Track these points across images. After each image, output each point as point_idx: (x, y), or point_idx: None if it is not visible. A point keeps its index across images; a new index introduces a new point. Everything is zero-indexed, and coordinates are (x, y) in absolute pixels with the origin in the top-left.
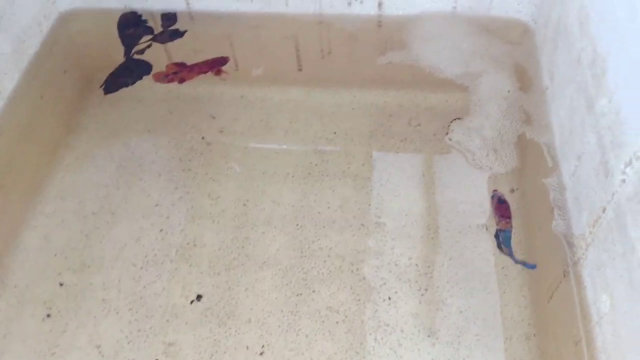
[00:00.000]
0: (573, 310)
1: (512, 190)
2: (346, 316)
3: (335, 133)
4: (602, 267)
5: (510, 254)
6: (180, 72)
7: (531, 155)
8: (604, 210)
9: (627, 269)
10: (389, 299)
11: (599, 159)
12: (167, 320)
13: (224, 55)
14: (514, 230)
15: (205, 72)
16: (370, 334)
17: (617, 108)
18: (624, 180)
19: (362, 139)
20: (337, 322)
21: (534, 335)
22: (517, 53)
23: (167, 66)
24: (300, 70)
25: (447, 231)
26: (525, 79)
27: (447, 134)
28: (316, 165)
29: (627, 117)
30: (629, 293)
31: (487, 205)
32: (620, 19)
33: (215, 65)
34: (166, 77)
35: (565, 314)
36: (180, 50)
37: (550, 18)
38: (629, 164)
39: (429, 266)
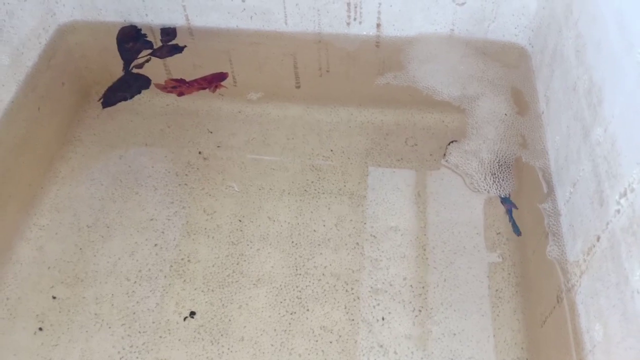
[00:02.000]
0: (566, 337)
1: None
2: (340, 336)
3: (332, 150)
4: (596, 295)
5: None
6: (179, 87)
7: (527, 179)
8: (598, 239)
9: (620, 299)
10: (383, 319)
11: (594, 187)
12: (160, 337)
13: (223, 71)
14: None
15: (204, 88)
16: (363, 354)
17: (612, 138)
18: (618, 211)
19: (358, 157)
20: (330, 342)
21: (527, 359)
22: (514, 77)
23: (165, 81)
24: (298, 87)
25: (442, 252)
26: (521, 102)
27: (444, 155)
28: (312, 182)
29: (622, 148)
30: (622, 324)
31: (482, 228)
32: (615, 50)
33: (214, 80)
34: (165, 89)
35: (558, 340)
36: (180, 66)
37: (546, 44)
38: (623, 194)
39: (423, 287)
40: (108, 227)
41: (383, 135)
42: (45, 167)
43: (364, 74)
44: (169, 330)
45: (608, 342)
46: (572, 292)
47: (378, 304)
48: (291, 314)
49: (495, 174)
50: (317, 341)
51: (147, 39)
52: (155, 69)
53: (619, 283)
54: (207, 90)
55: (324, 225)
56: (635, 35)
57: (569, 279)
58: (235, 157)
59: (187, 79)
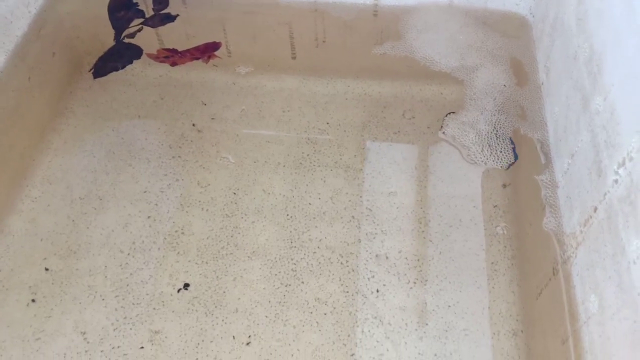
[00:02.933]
0: (561, 309)
1: (505, 186)
2: (334, 308)
3: (328, 123)
4: (591, 267)
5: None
6: (171, 56)
7: (525, 151)
8: (595, 210)
9: (616, 270)
10: (377, 291)
11: (592, 158)
12: (154, 308)
13: (216, 40)
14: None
15: (197, 58)
16: (358, 326)
17: (612, 107)
18: (616, 181)
19: (355, 130)
20: (325, 314)
21: (522, 331)
22: (514, 47)
23: (157, 51)
24: (294, 58)
25: (438, 225)
26: (521, 73)
27: (441, 127)
28: (308, 155)
29: (622, 117)
30: (618, 295)
31: (478, 201)
32: (617, 16)
33: (207, 50)
34: (157, 59)
35: (553, 312)
36: (172, 35)
37: (547, 12)
38: (622, 164)
39: (418, 259)
40: (101, 199)
41: (380, 107)
42: (37, 139)
43: (361, 44)
44: (162, 302)
45: (602, 314)
46: (568, 264)
47: (373, 276)
48: (286, 286)
49: (492, 145)
50: (311, 313)
51: (139, 7)
52: (147, 38)
53: (615, 254)
54: (200, 60)
55: (319, 198)
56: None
57: (565, 251)
58: (229, 129)
59: (180, 49)
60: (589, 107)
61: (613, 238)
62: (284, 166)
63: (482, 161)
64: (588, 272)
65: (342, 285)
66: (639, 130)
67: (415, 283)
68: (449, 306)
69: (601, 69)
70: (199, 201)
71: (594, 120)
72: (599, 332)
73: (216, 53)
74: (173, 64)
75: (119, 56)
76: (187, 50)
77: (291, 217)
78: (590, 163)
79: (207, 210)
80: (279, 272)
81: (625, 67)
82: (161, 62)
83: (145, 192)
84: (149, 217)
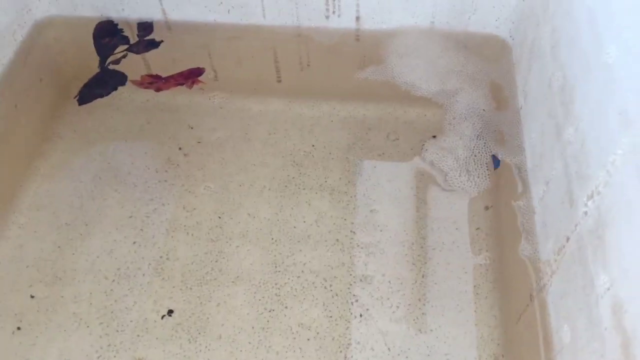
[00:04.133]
0: (537, 336)
1: (487, 208)
2: (317, 333)
3: (313, 145)
4: (565, 296)
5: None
6: (155, 82)
7: (505, 176)
8: (567, 239)
9: (586, 302)
10: (361, 315)
11: (565, 187)
12: (138, 335)
13: (200, 66)
14: None
15: (181, 84)
16: (340, 351)
17: (582, 138)
18: (586, 213)
19: (340, 152)
20: (308, 339)
21: (502, 356)
22: (494, 70)
23: (141, 77)
24: (279, 81)
25: (421, 248)
26: (501, 97)
27: (420, 152)
28: (293, 178)
29: (591, 149)
30: (587, 327)
31: (461, 224)
32: (586, 50)
33: (191, 76)
34: (141, 85)
35: (530, 338)
36: (158, 61)
37: (526, 37)
38: (590, 197)
39: (401, 283)
40: (87, 224)
41: (365, 129)
42: (24, 165)
43: (344, 68)
44: (146, 328)
45: (574, 345)
46: (544, 291)
47: (356, 301)
48: (269, 311)
49: (470, 171)
50: (294, 338)
51: (124, 34)
52: (132, 64)
53: (585, 286)
54: (184, 86)
55: (304, 222)
56: (604, 35)
57: (541, 278)
58: (215, 153)
59: (164, 75)
60: (562, 136)
61: (583, 270)
62: (269, 189)
63: (460, 187)
64: (562, 302)
65: (325, 309)
66: (606, 165)
67: (398, 307)
68: (432, 330)
69: (573, 99)
70: (185, 225)
71: (566, 150)
72: None
73: (200, 78)
74: (157, 90)
75: (103, 83)
76: (171, 76)
77: (276, 240)
78: (563, 192)
79: (192, 234)
80: (263, 297)
81: (593, 100)
82: (145, 87)
83: (130, 217)
84: (134, 242)
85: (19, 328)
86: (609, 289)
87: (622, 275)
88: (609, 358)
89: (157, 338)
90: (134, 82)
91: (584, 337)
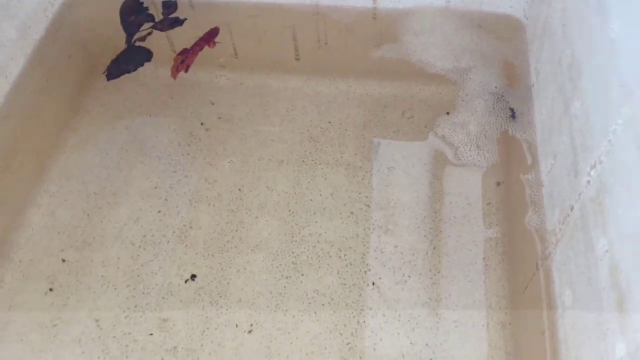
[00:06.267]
0: (541, 302)
1: (498, 183)
2: (332, 299)
3: (330, 122)
4: (567, 263)
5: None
6: (185, 59)
7: (516, 151)
8: (572, 208)
9: (587, 266)
10: (373, 284)
11: (571, 159)
12: (163, 298)
13: (215, 26)
14: None
15: (202, 48)
16: (354, 316)
17: (587, 112)
18: (589, 182)
19: (356, 129)
20: (323, 305)
21: (510, 324)
22: (508, 49)
23: (174, 59)
24: (298, 59)
25: (432, 221)
26: (513, 75)
27: (432, 128)
28: (310, 153)
29: (595, 122)
30: (587, 289)
31: (473, 199)
32: (593, 25)
33: (210, 38)
34: (177, 70)
35: (535, 305)
36: (181, 38)
37: (539, 16)
38: (593, 166)
39: (413, 254)
40: (114, 194)
41: (381, 107)
42: (54, 137)
43: (361, 46)
44: (171, 292)
45: (575, 307)
46: (549, 259)
47: (369, 270)
48: (286, 278)
49: (480, 146)
50: (310, 303)
51: (149, 12)
52: (158, 41)
53: (586, 251)
54: (207, 47)
55: (320, 195)
56: (611, 11)
57: (547, 247)
58: (235, 128)
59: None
60: (569, 111)
61: (585, 236)
62: (287, 164)
63: (471, 161)
64: (565, 268)
65: (339, 277)
66: (607, 135)
67: (409, 276)
68: (442, 299)
69: (580, 74)
70: (207, 197)
71: (572, 124)
72: (572, 324)
73: (216, 39)
74: (186, 70)
75: (130, 59)
76: (195, 44)
77: (293, 212)
78: (569, 164)
79: (213, 205)
80: (280, 264)
81: (597, 74)
82: (178, 70)
83: (155, 188)
84: (159, 211)
85: (51, 289)
86: (607, 251)
87: (619, 238)
88: (605, 313)
89: (180, 301)
90: (172, 71)
91: (584, 298)
